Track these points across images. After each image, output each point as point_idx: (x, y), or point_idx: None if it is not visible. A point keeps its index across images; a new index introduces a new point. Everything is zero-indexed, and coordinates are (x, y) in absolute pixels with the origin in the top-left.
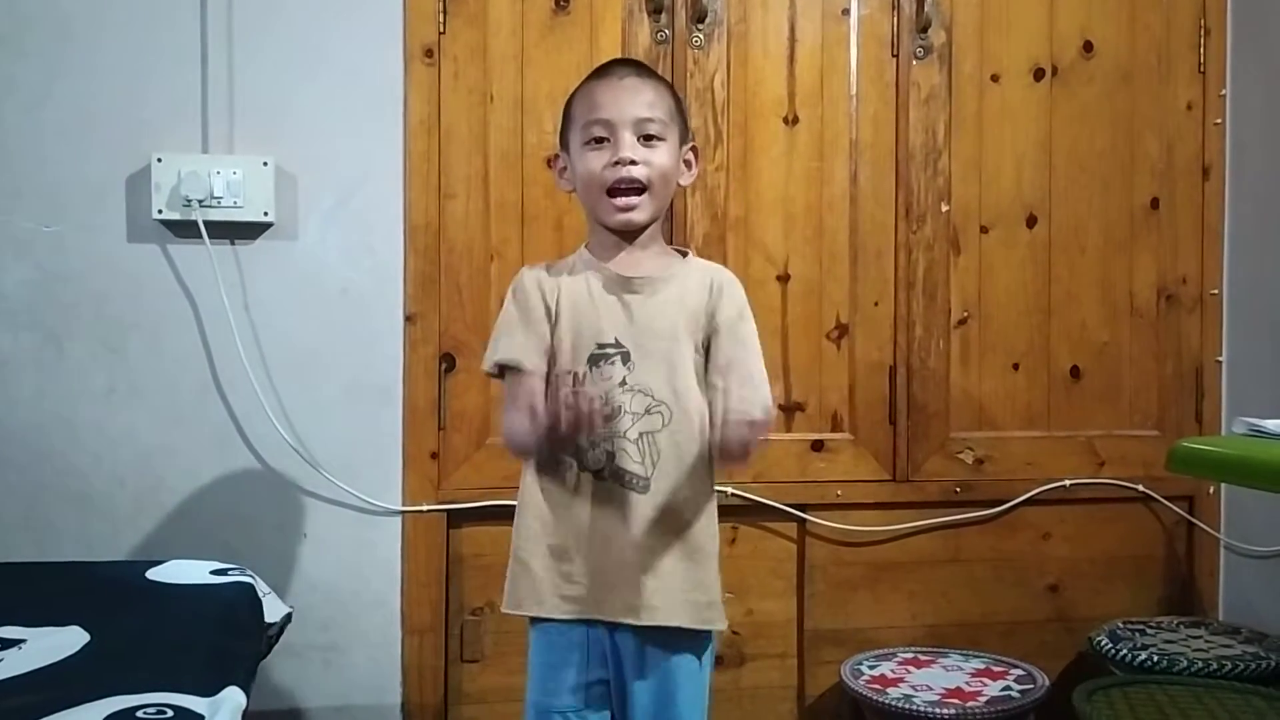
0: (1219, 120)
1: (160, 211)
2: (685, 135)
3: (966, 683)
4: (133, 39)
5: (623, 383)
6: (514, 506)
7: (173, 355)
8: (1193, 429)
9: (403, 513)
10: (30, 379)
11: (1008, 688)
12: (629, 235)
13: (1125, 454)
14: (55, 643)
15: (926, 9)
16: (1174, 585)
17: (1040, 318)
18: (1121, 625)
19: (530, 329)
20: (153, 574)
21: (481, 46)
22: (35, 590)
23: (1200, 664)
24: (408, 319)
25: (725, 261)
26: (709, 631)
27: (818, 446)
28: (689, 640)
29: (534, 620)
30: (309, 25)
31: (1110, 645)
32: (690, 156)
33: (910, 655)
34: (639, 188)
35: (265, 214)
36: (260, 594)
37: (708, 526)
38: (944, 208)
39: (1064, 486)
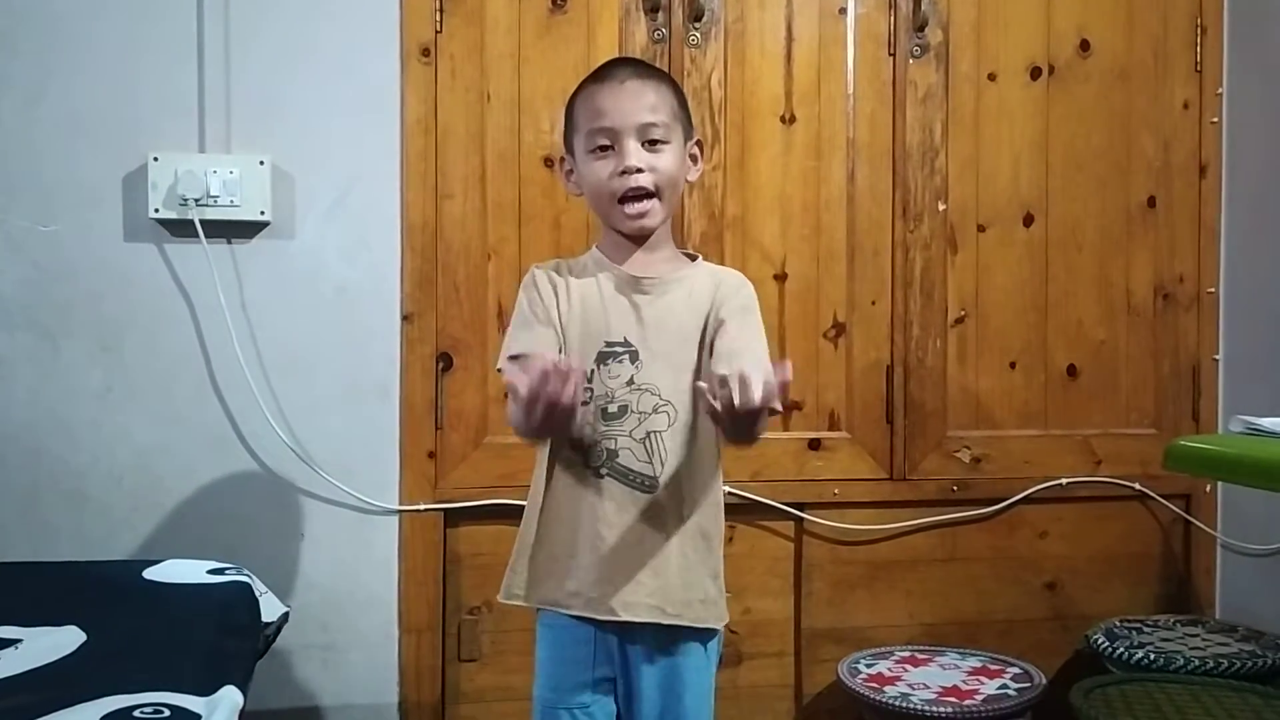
0: (1215, 119)
1: (157, 211)
2: (689, 131)
3: (963, 681)
4: (129, 38)
5: (630, 381)
6: (511, 506)
7: (169, 354)
8: (1189, 427)
9: (400, 512)
10: (26, 378)
11: (1004, 686)
12: (641, 239)
13: (1122, 452)
14: (52, 642)
15: (923, 8)
16: (1171, 583)
17: (1037, 316)
18: (1118, 623)
19: (542, 325)
20: (149, 574)
21: (479, 45)
22: (32, 590)
23: (1197, 662)
24: (405, 318)
25: (723, 260)
26: (713, 632)
27: (815, 445)
28: (695, 638)
29: (541, 614)
30: (305, 24)
31: (1107, 643)
32: (695, 151)
33: (907, 654)
34: (648, 193)
35: (262, 213)
36: (257, 593)
37: (714, 526)
38: (941, 207)
39: (1061, 485)
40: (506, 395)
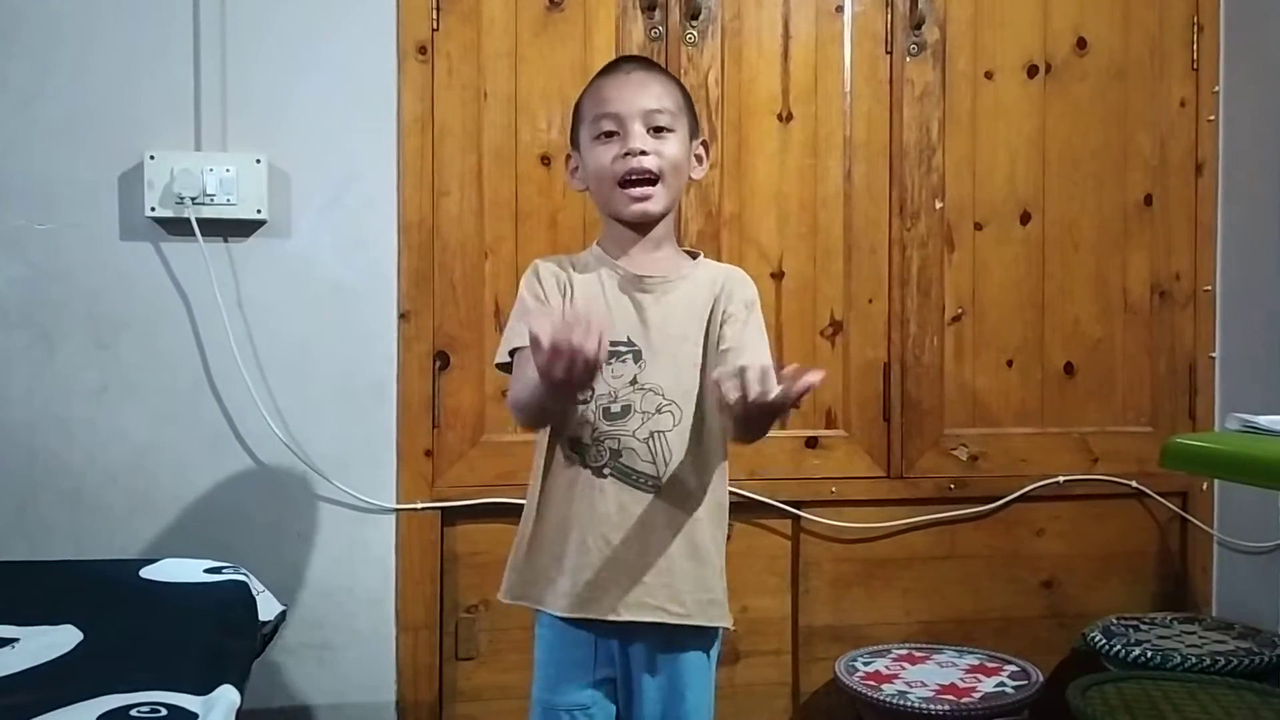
0: (1212, 117)
1: (153, 209)
2: (694, 130)
3: (961, 679)
4: (125, 36)
5: (633, 381)
6: (509, 504)
7: (166, 353)
8: (1186, 425)
9: (397, 510)
10: (22, 377)
11: (1002, 684)
12: (643, 229)
13: (1119, 450)
14: (48, 642)
15: (920, 6)
16: (1168, 581)
17: (1034, 314)
18: (1115, 621)
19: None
20: (146, 572)
21: (475, 44)
22: (28, 589)
23: (1194, 659)
24: (401, 316)
25: (720, 259)
26: (717, 629)
27: (812, 443)
28: (698, 638)
29: (540, 614)
30: (302, 22)
31: (1104, 641)
32: (700, 151)
33: (904, 652)
34: (651, 178)
35: (258, 211)
36: (254, 592)
37: (719, 526)
38: (938, 205)
39: (1058, 483)
40: (504, 393)
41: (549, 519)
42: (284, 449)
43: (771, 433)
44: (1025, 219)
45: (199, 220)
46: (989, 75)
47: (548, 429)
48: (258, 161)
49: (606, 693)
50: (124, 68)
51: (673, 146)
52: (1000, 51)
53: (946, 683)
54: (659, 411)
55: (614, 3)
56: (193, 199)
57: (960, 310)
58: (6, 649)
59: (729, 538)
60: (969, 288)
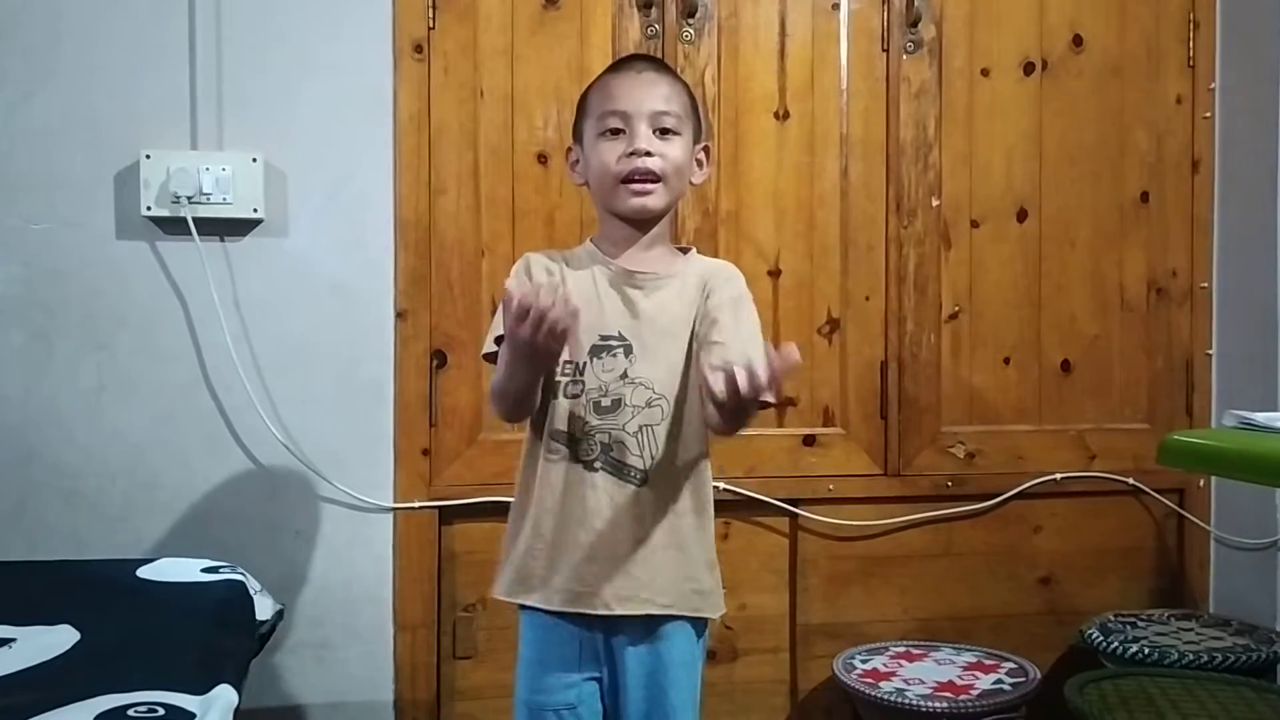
0: (1208, 114)
1: (149, 208)
2: (699, 134)
3: (958, 676)
4: (121, 35)
5: (624, 375)
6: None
7: (163, 352)
8: (1183, 422)
9: (394, 509)
10: (19, 376)
11: (999, 681)
12: (640, 227)
13: (1116, 447)
14: (46, 642)
15: (916, 3)
16: (1165, 578)
17: (1031, 312)
18: (1113, 618)
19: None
20: (143, 572)
21: (471, 42)
22: (25, 589)
23: (1191, 656)
24: (398, 315)
25: (717, 256)
26: (703, 623)
27: (809, 441)
28: (682, 632)
29: (524, 610)
30: (298, 21)
31: (1101, 638)
32: (702, 156)
33: (902, 649)
34: (653, 178)
35: (255, 210)
36: (252, 591)
37: (706, 516)
38: (934, 202)
39: (1055, 480)
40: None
41: (540, 513)
42: (281, 448)
43: (769, 431)
44: (1022, 216)
45: (195, 219)
46: (985, 72)
47: (540, 423)
48: (254, 160)
49: (593, 691)
50: (120, 67)
51: (677, 149)
52: (996, 49)
53: (944, 680)
54: (649, 405)
55: (610, 1)
56: (189, 198)
57: (957, 308)
58: (4, 649)
59: (725, 535)
60: (966, 285)
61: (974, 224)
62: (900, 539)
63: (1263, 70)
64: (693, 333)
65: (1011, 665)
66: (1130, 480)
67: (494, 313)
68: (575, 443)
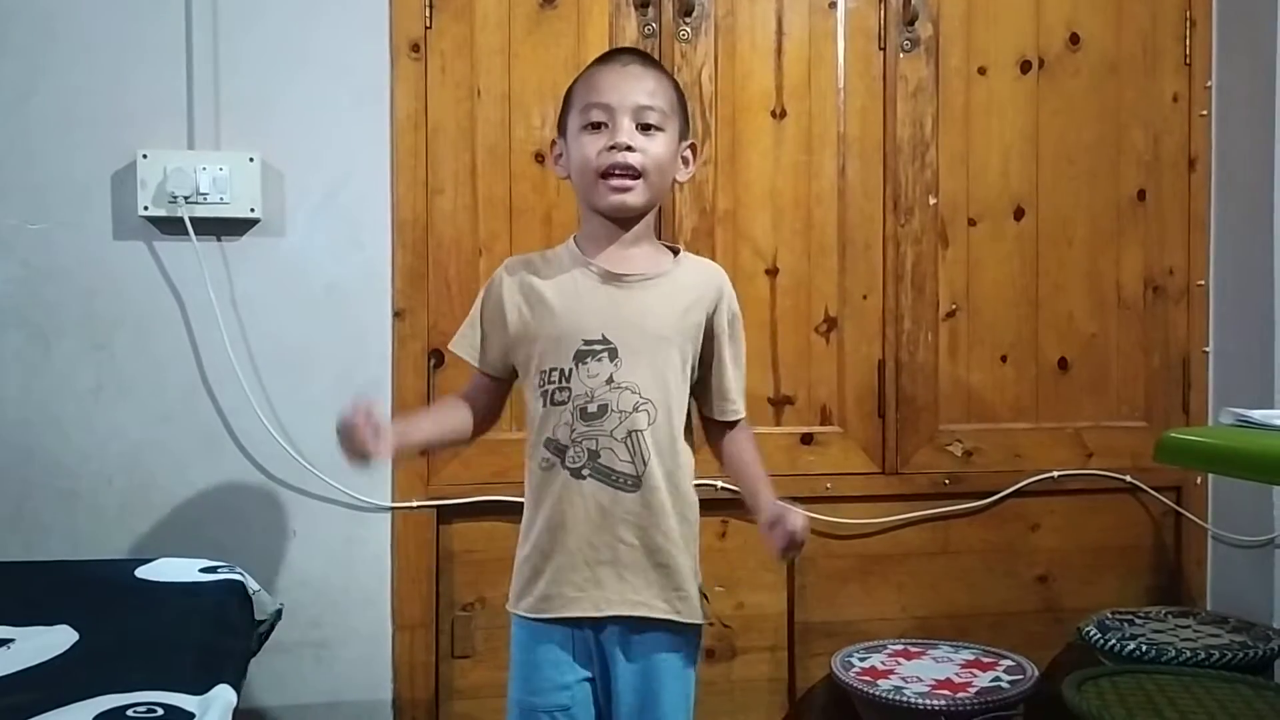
0: (1205, 112)
1: (146, 208)
2: (685, 131)
3: (956, 674)
4: (117, 35)
5: (609, 380)
6: (504, 503)
7: (160, 352)
8: (1180, 420)
9: (392, 509)
10: (17, 377)
11: (997, 679)
12: (622, 225)
13: (1113, 445)
14: (44, 642)
15: (913, 2)
16: (1162, 575)
17: (1028, 310)
18: (1110, 615)
19: (490, 335)
20: (142, 572)
21: (468, 41)
22: (23, 589)
23: (1188, 653)
24: (396, 315)
25: (714, 255)
26: (695, 627)
27: (807, 439)
28: (673, 636)
29: (516, 615)
30: (294, 20)
31: (1099, 635)
32: (688, 154)
33: (900, 647)
34: (633, 173)
35: (252, 210)
36: (250, 591)
37: (694, 524)
38: (932, 201)
39: (1052, 478)
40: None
41: (535, 523)
42: (279, 447)
43: (767, 429)
44: (1019, 215)
45: (192, 219)
46: (982, 71)
47: (532, 432)
48: (251, 160)
49: (586, 693)
50: (116, 66)
51: (659, 145)
52: (993, 47)
53: (942, 678)
54: (635, 410)
55: None
56: (186, 198)
57: (954, 306)
58: (2, 649)
59: (723, 534)
60: (963, 283)
61: (971, 222)
62: (898, 537)
63: (1259, 68)
64: (691, 341)
65: (1009, 663)
66: (1127, 478)
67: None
68: (563, 450)
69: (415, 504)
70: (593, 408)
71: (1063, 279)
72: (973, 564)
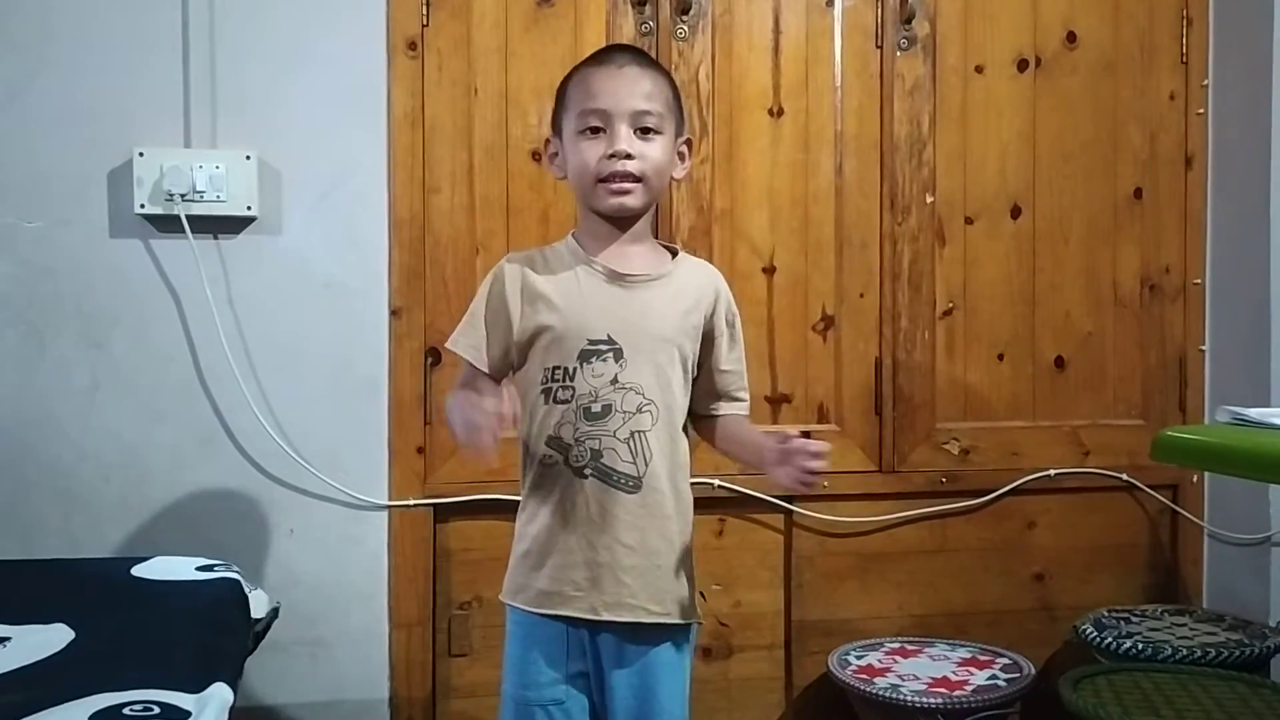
0: (1201, 110)
1: (142, 206)
2: (681, 128)
3: (953, 672)
4: (114, 32)
5: (614, 380)
6: (501, 501)
7: (156, 351)
8: (1176, 418)
9: (389, 507)
10: (12, 375)
11: (994, 677)
12: (621, 224)
13: (1110, 443)
14: (40, 640)
15: (910, 0)
16: (1158, 573)
17: (1025, 308)
18: (1107, 613)
19: (492, 333)
20: (138, 570)
21: (465, 39)
22: (19, 588)
23: (1185, 651)
24: (393, 313)
25: (711, 254)
26: (690, 625)
27: (804, 438)
28: (669, 634)
29: (511, 610)
30: (292, 18)
31: (1096, 633)
32: (684, 150)
33: (897, 645)
34: (633, 178)
35: (248, 208)
36: (246, 589)
37: (686, 524)
38: (929, 199)
39: (1049, 476)
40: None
41: (535, 519)
42: (276, 446)
43: (763, 428)
44: (1016, 213)
45: (189, 217)
46: (979, 69)
47: (531, 426)
48: (247, 158)
49: (580, 687)
50: (113, 64)
51: (658, 150)
52: (990, 45)
53: (939, 676)
54: (639, 411)
55: None
56: (182, 195)
57: (951, 304)
58: None
59: (720, 532)
60: (960, 282)
61: (968, 221)
62: (895, 535)
63: (1255, 66)
64: (693, 341)
65: (1006, 661)
66: (1124, 476)
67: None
68: (566, 449)
69: (412, 502)
70: (596, 407)
71: (1059, 277)
72: (969, 562)
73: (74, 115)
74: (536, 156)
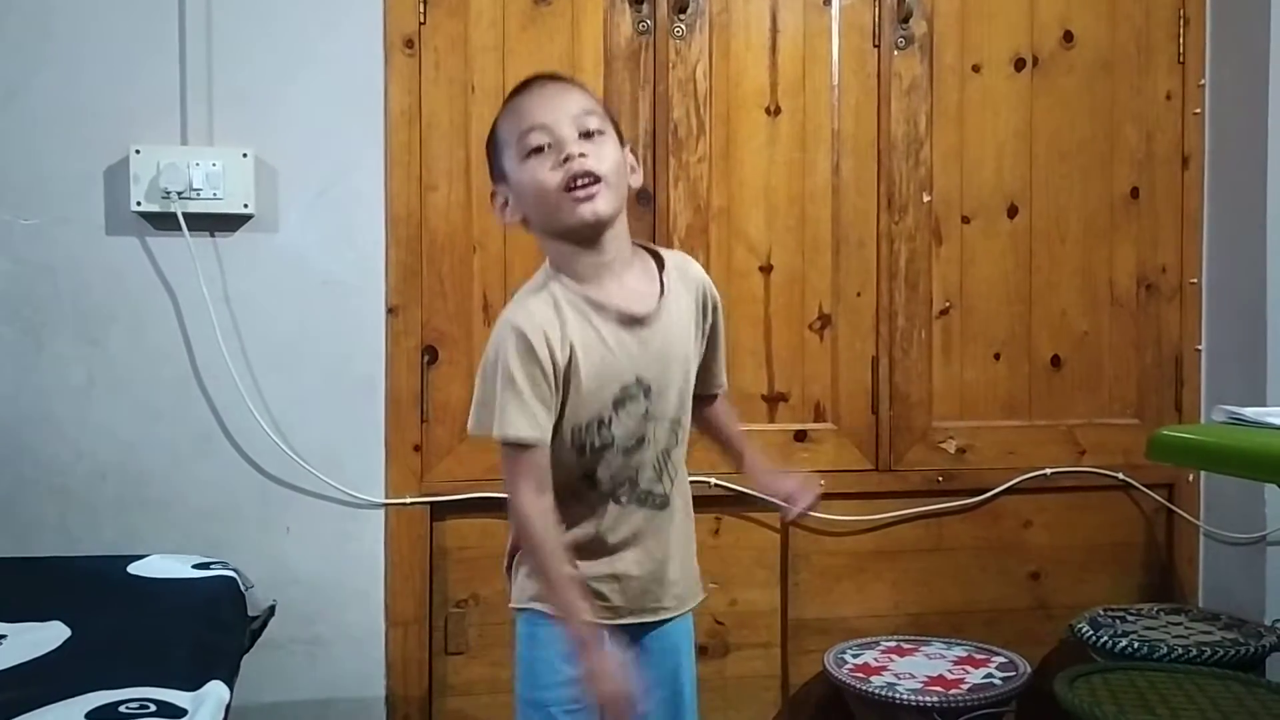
0: (1198, 110)
1: (139, 204)
2: (621, 139)
3: (949, 671)
4: (111, 30)
5: (645, 414)
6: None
7: (153, 348)
8: (1172, 417)
9: (386, 505)
10: (9, 372)
11: (990, 675)
12: (598, 248)
13: (1105, 442)
14: (36, 638)
15: None
16: (1154, 572)
17: (1021, 307)
18: (1102, 612)
19: (541, 402)
20: (134, 568)
21: (462, 37)
22: (15, 586)
23: (1180, 650)
24: (390, 311)
25: (709, 252)
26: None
27: (800, 436)
28: (688, 624)
29: (523, 614)
30: (289, 16)
31: (1091, 632)
32: (633, 160)
33: (893, 644)
34: (595, 178)
35: (245, 206)
36: (243, 588)
37: (690, 515)
38: (925, 198)
39: (1045, 475)
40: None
41: (567, 539)
42: (272, 444)
43: (760, 426)
44: (1013, 212)
45: (185, 215)
46: (976, 68)
47: (559, 469)
48: (244, 155)
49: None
50: (110, 61)
51: (609, 148)
52: (987, 45)
53: (935, 674)
54: (671, 433)
55: None
56: (179, 193)
57: (948, 303)
58: None
59: (716, 531)
60: (956, 281)
61: (965, 220)
62: (891, 534)
63: (1252, 66)
64: (698, 346)
65: (1002, 659)
66: (1120, 475)
67: (486, 309)
68: (598, 483)
69: (409, 500)
70: (631, 443)
71: (1056, 276)
72: (965, 561)
73: (71, 113)
74: (491, 200)
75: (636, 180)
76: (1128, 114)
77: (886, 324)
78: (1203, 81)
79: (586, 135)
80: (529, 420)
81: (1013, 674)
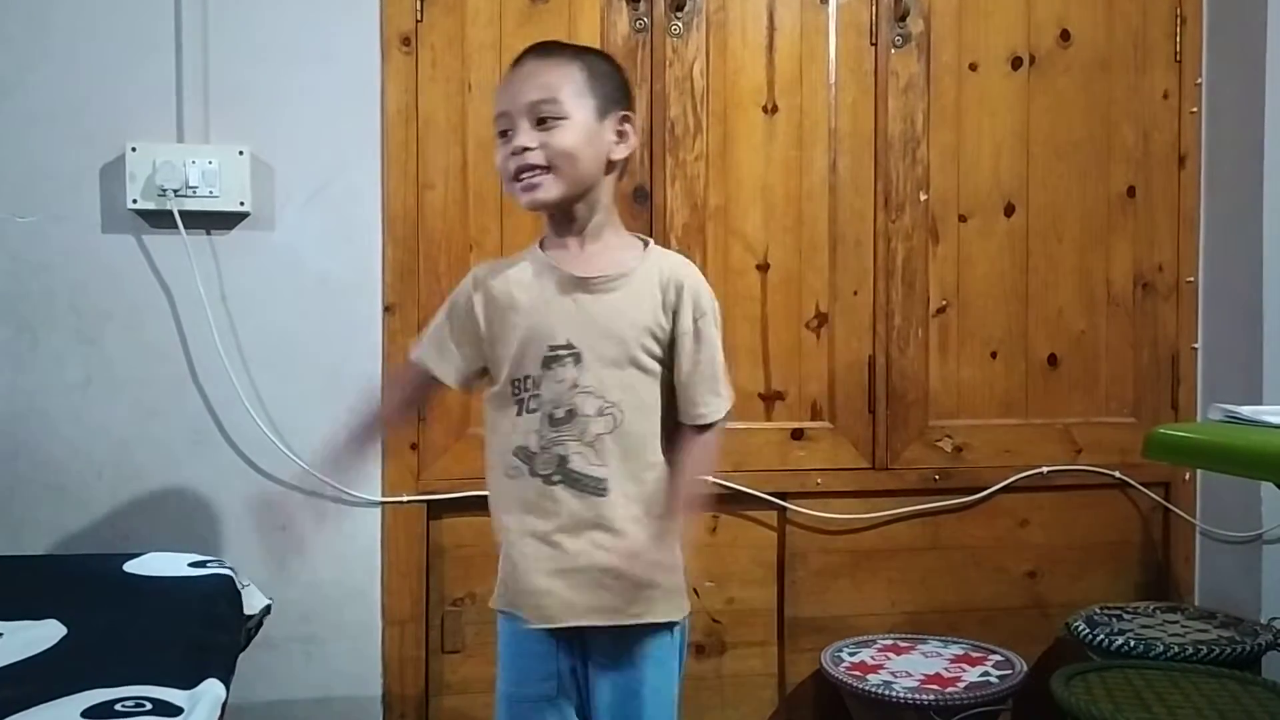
0: (1195, 109)
1: (135, 201)
2: (610, 105)
3: (945, 669)
4: (107, 27)
5: (574, 385)
6: None
7: (149, 346)
8: (1169, 416)
9: (382, 504)
10: (5, 370)
11: (986, 673)
12: (565, 221)
13: (1102, 441)
14: (32, 636)
15: None
16: (1150, 571)
17: (1018, 306)
18: (1099, 611)
19: (455, 346)
20: (130, 566)
21: (459, 35)
22: (11, 584)
23: (1176, 648)
24: (386, 309)
25: (705, 251)
26: (674, 623)
27: (797, 435)
28: (653, 631)
29: (500, 611)
30: (285, 13)
31: (1088, 630)
32: (625, 127)
33: (890, 642)
34: (540, 169)
35: (241, 204)
36: (239, 586)
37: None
38: (922, 197)
39: (1041, 473)
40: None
41: (508, 527)
42: (268, 442)
43: (757, 425)
44: (1009, 211)
45: (182, 213)
46: (973, 67)
47: (497, 439)
48: (240, 153)
49: (569, 681)
50: (106, 59)
51: (561, 135)
52: (984, 43)
53: (931, 673)
54: (600, 414)
55: None
56: (175, 191)
57: (945, 302)
58: None
59: (713, 529)
60: (953, 279)
61: (962, 218)
62: (888, 532)
63: (1249, 65)
64: (658, 340)
65: (998, 658)
66: (1116, 474)
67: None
68: (532, 457)
69: (405, 498)
70: (560, 413)
71: (1052, 275)
72: (962, 559)
73: (67, 110)
74: None
75: (621, 151)
76: (1124, 113)
77: (883, 322)
78: (1199, 80)
79: (540, 122)
80: (428, 351)
81: (1009, 672)
